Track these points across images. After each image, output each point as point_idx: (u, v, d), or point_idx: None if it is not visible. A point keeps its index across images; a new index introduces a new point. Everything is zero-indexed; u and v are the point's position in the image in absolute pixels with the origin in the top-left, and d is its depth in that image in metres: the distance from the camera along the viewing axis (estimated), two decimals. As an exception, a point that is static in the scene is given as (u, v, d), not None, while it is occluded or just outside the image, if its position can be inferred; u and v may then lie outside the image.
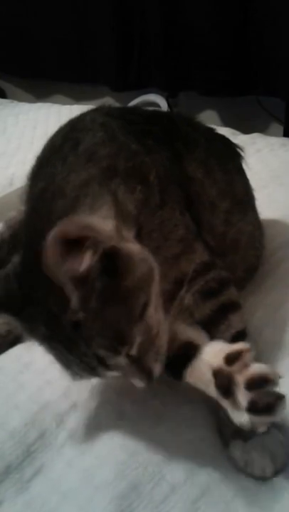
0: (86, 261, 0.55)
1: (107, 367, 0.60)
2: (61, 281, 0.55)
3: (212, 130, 0.93)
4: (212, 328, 0.69)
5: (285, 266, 0.91)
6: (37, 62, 1.98)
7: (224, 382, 0.59)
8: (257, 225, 0.91)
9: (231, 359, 0.59)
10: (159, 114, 1.00)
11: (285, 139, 1.43)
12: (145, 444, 0.68)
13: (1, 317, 0.65)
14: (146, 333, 0.60)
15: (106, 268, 0.57)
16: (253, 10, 1.54)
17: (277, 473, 0.63)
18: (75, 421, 0.72)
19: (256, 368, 0.58)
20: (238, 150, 0.91)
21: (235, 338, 0.69)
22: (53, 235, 0.53)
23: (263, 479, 0.63)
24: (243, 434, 0.64)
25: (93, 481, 0.65)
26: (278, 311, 0.81)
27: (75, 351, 0.59)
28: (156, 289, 0.62)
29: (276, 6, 1.49)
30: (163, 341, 0.63)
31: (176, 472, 0.64)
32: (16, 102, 1.86)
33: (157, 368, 0.62)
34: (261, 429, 0.59)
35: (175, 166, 0.76)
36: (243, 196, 0.88)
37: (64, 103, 1.81)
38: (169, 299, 0.67)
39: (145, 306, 0.60)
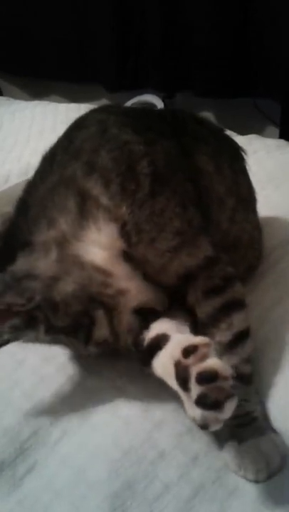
0: (6, 331, 0.65)
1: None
2: None
3: (221, 130, 0.93)
4: (213, 326, 0.68)
5: (281, 266, 0.91)
6: (34, 61, 1.97)
7: (182, 375, 0.59)
8: (256, 226, 0.91)
9: (188, 352, 0.59)
10: (166, 112, 1.00)
11: (280, 141, 1.44)
12: (139, 443, 0.67)
13: None
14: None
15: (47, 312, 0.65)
16: (252, 11, 1.54)
17: (270, 476, 0.63)
18: (69, 419, 0.72)
19: (209, 362, 0.57)
20: (242, 153, 0.91)
21: (238, 338, 0.68)
22: None
23: (256, 482, 0.63)
24: (237, 437, 0.64)
25: (86, 479, 0.65)
26: (274, 310, 0.82)
27: None
28: (114, 301, 0.68)
29: (274, 9, 1.50)
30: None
31: (169, 471, 0.64)
32: (12, 100, 1.85)
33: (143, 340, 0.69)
34: (213, 426, 0.57)
35: (182, 159, 0.76)
36: (246, 196, 0.88)
37: (61, 102, 1.81)
38: (174, 294, 0.67)
39: (88, 337, 0.69)
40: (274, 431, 0.66)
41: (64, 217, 0.67)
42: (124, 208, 0.67)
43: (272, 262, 0.92)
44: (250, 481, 0.63)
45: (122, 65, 1.81)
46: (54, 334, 0.66)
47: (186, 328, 0.69)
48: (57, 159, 0.73)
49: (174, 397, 0.71)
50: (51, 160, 0.74)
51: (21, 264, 0.66)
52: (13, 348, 0.84)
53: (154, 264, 0.66)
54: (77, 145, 0.73)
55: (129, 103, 1.80)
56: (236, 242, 0.83)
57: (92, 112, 0.82)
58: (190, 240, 0.70)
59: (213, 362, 0.57)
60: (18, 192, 0.75)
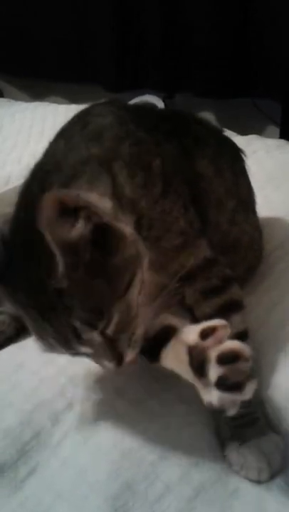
0: (78, 228, 0.56)
1: (81, 341, 0.60)
2: (52, 244, 0.55)
3: (221, 131, 0.93)
4: None
5: (281, 267, 0.91)
6: (34, 62, 1.97)
7: (198, 359, 0.59)
8: (256, 227, 0.91)
9: (206, 334, 0.59)
10: (169, 112, 1.00)
11: (281, 141, 1.44)
12: (140, 444, 0.67)
13: None
14: (125, 313, 0.61)
15: (97, 241, 0.58)
16: (252, 11, 1.54)
17: (272, 476, 0.63)
18: (70, 420, 0.72)
19: (229, 344, 0.57)
20: (241, 154, 0.91)
21: (237, 339, 0.68)
22: (51, 198, 0.54)
23: (258, 483, 0.63)
24: (240, 437, 0.64)
25: (88, 481, 0.65)
26: (273, 311, 0.82)
27: (52, 320, 0.60)
28: (141, 275, 0.62)
29: (274, 9, 1.50)
30: (139, 328, 0.63)
31: (170, 471, 0.64)
32: (12, 101, 1.85)
33: (129, 355, 0.62)
34: (231, 410, 0.57)
35: (183, 161, 0.76)
36: (246, 198, 0.89)
37: (60, 103, 1.81)
38: (169, 293, 0.67)
39: (129, 285, 0.61)
40: (275, 431, 0.66)
41: (104, 187, 0.65)
42: (143, 202, 0.67)
43: (272, 262, 0.93)
44: (253, 481, 0.63)
45: (122, 65, 1.81)
46: None
47: (187, 321, 0.69)
48: (75, 139, 0.71)
49: (176, 396, 0.72)
50: (67, 140, 0.72)
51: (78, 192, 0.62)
52: (13, 350, 0.84)
53: (155, 263, 0.66)
54: (94, 129, 0.72)
55: (129, 103, 1.80)
56: (236, 243, 0.83)
57: (98, 104, 0.82)
58: (191, 240, 0.71)
59: (233, 343, 0.57)
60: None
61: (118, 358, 0.61)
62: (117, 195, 0.65)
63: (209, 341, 0.58)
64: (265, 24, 1.52)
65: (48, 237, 0.55)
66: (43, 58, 1.95)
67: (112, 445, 0.68)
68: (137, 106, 1.09)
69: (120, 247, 0.60)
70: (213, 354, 0.57)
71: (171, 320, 0.68)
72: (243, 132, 1.48)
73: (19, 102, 1.83)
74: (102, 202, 0.62)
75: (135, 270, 0.61)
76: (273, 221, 1.02)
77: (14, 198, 0.73)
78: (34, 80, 2.05)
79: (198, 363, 0.59)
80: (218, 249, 0.75)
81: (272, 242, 0.97)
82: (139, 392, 0.74)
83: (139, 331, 0.63)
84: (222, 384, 0.56)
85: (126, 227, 0.62)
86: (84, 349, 0.62)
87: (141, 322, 0.63)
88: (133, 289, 0.61)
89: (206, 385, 0.58)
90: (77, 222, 0.56)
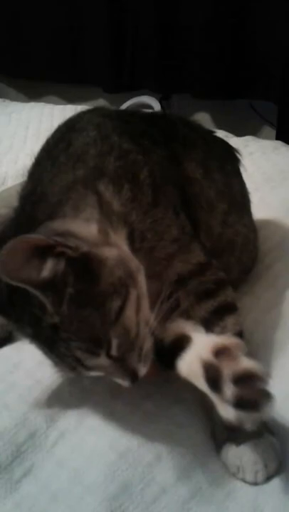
0: (47, 268, 0.58)
1: (86, 367, 0.62)
2: (27, 286, 0.57)
3: (211, 132, 0.93)
4: (207, 330, 0.69)
5: (277, 267, 0.91)
6: (30, 63, 1.97)
7: (212, 375, 0.59)
8: (252, 227, 0.91)
9: (220, 352, 0.59)
10: (156, 116, 1.00)
11: (277, 142, 1.44)
12: (136, 445, 0.67)
13: None
14: (124, 335, 0.61)
15: (79, 273, 0.59)
16: (248, 14, 1.54)
17: (268, 478, 0.63)
18: (66, 421, 0.71)
19: (244, 363, 0.57)
20: (236, 154, 0.91)
21: None
22: (11, 245, 0.55)
23: (254, 485, 0.63)
24: (236, 439, 0.64)
25: (83, 482, 0.65)
26: (270, 312, 0.82)
27: (55, 351, 0.62)
28: (138, 292, 0.62)
29: (270, 11, 1.50)
30: (146, 342, 0.63)
31: (166, 473, 0.64)
32: (8, 101, 1.85)
33: (142, 369, 0.63)
34: (249, 426, 0.58)
35: (172, 166, 0.76)
36: (239, 198, 0.88)
37: (57, 103, 1.81)
38: (164, 299, 0.67)
39: (121, 309, 0.60)
40: (271, 433, 0.66)
41: (90, 209, 0.66)
42: (134, 215, 0.68)
43: (269, 263, 0.93)
44: (249, 483, 0.63)
45: (118, 66, 1.81)
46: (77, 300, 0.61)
47: (201, 328, 0.69)
48: (60, 160, 0.71)
49: (172, 398, 0.72)
50: (53, 160, 0.72)
51: (59, 225, 0.63)
52: (8, 351, 0.84)
53: (148, 271, 0.66)
54: (78, 148, 0.72)
55: (126, 104, 1.80)
56: (230, 245, 0.83)
57: (83, 113, 0.82)
58: (184, 246, 0.71)
59: (248, 362, 0.57)
60: (15, 194, 0.75)
61: (132, 375, 0.62)
62: (105, 214, 0.65)
63: (223, 360, 0.58)
64: (261, 26, 1.53)
65: (19, 283, 0.56)
66: (37, 59, 1.95)
67: (108, 446, 0.68)
68: (123, 112, 1.08)
69: (103, 272, 0.60)
70: (227, 373, 0.57)
71: (184, 328, 0.68)
72: (240, 133, 1.48)
73: (15, 103, 1.83)
74: (86, 228, 0.62)
75: (128, 290, 0.61)
76: (269, 222, 1.03)
77: (9, 200, 0.73)
78: (30, 81, 2.05)
79: (212, 379, 0.59)
80: (212, 252, 0.75)
81: (268, 243, 0.97)
82: (135, 394, 0.73)
83: (147, 345, 0.63)
84: (238, 403, 0.56)
85: (111, 250, 0.62)
86: (93, 373, 0.63)
87: (148, 336, 0.63)
88: (127, 311, 0.61)
89: (222, 400, 0.58)
90: (44, 263, 0.58)
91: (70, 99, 1.97)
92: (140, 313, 0.62)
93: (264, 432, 0.66)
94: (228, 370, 0.57)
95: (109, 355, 0.61)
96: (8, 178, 1.29)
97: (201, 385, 0.61)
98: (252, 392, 0.56)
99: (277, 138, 1.60)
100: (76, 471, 0.66)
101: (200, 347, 0.63)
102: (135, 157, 0.72)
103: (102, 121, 0.77)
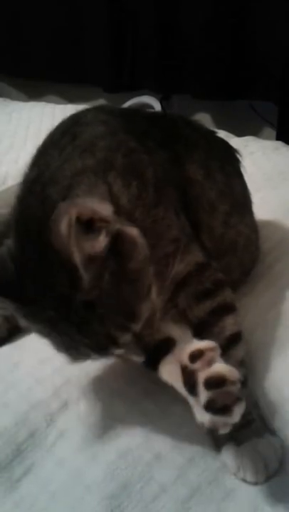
0: (101, 241, 0.57)
1: (118, 345, 0.62)
2: (75, 260, 0.55)
3: (213, 133, 0.93)
4: (206, 330, 0.69)
5: (278, 268, 0.91)
6: (31, 62, 1.97)
7: (189, 380, 0.59)
8: (253, 228, 0.91)
9: (194, 357, 0.59)
10: (157, 116, 1.00)
11: (277, 143, 1.44)
12: (135, 444, 0.68)
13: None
14: (150, 311, 0.62)
15: (114, 249, 0.58)
16: (248, 14, 1.54)
17: (269, 478, 0.63)
18: (66, 420, 0.72)
19: (216, 367, 0.57)
20: (237, 154, 0.91)
21: (230, 341, 0.69)
22: (67, 216, 0.54)
23: (255, 484, 0.63)
24: (236, 439, 0.64)
25: (83, 481, 0.65)
26: (270, 312, 0.82)
27: (85, 332, 0.60)
28: (151, 273, 0.63)
29: (270, 11, 1.50)
30: (157, 322, 0.65)
31: (165, 472, 0.64)
32: (8, 101, 1.85)
33: (151, 343, 0.66)
34: (222, 430, 0.58)
35: (174, 168, 0.76)
36: (241, 199, 0.88)
37: (57, 103, 1.80)
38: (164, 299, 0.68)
39: (150, 286, 0.62)
40: (271, 433, 0.67)
41: (100, 194, 0.66)
42: (137, 213, 0.68)
43: (269, 263, 0.93)
44: (250, 482, 0.63)
45: (116, 66, 1.81)
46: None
47: (188, 332, 0.69)
48: (67, 150, 0.70)
49: (171, 396, 0.72)
50: (60, 150, 0.71)
51: (82, 202, 0.62)
52: (8, 350, 0.84)
53: None
54: (86, 140, 0.71)
55: (126, 104, 1.80)
56: (232, 245, 0.83)
57: (87, 110, 0.81)
58: (183, 247, 0.71)
59: (220, 367, 0.57)
60: (15, 194, 0.75)
61: (145, 350, 0.65)
62: (114, 204, 0.65)
63: (198, 364, 0.58)
64: (261, 26, 1.53)
65: (69, 257, 0.55)
66: (37, 58, 1.95)
67: (107, 445, 0.68)
68: (125, 110, 1.08)
69: (134, 250, 0.61)
70: (201, 377, 0.57)
71: (173, 331, 0.69)
72: (240, 134, 1.48)
73: (16, 102, 1.83)
74: (104, 207, 0.62)
75: (149, 270, 0.62)
76: (270, 223, 1.03)
77: (9, 199, 0.73)
78: (30, 80, 2.05)
79: (189, 384, 0.59)
80: (214, 253, 0.75)
81: (269, 243, 0.97)
82: (134, 393, 0.74)
83: (158, 324, 0.66)
84: (211, 407, 0.56)
85: (133, 229, 0.62)
86: (117, 351, 0.64)
87: (158, 316, 0.66)
88: (153, 288, 0.63)
89: (198, 405, 0.58)
90: (99, 235, 0.57)
91: (71, 99, 1.97)
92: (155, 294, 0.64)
93: (264, 431, 0.66)
94: (201, 373, 0.58)
95: (134, 332, 0.62)
96: (8, 178, 1.29)
97: (181, 388, 0.62)
98: (224, 396, 0.56)
99: (278, 138, 1.60)
100: (76, 470, 0.66)
101: (179, 351, 0.63)
102: (141, 156, 0.72)
103: (107, 118, 0.76)
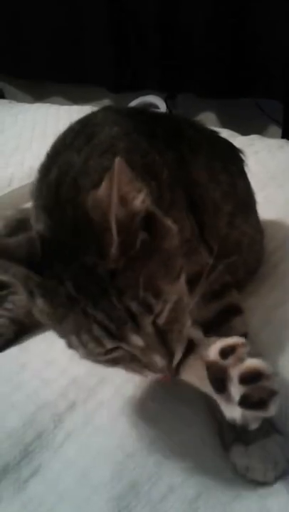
0: (141, 197, 0.57)
1: (135, 327, 0.57)
2: (110, 219, 0.55)
3: (216, 133, 0.93)
4: (214, 331, 0.69)
5: (283, 267, 0.91)
6: (35, 63, 1.98)
7: (218, 376, 0.58)
8: (258, 228, 0.91)
9: (226, 352, 0.58)
10: (164, 117, 1.00)
11: (283, 141, 1.44)
12: (143, 445, 0.67)
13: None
14: (178, 299, 0.60)
15: (146, 226, 0.58)
16: (251, 12, 1.54)
17: (277, 478, 0.63)
18: (73, 421, 0.72)
19: (251, 362, 0.57)
20: (240, 154, 0.91)
21: None
22: (123, 163, 0.55)
23: (263, 484, 0.63)
24: (244, 439, 0.64)
25: (91, 482, 0.65)
26: (276, 311, 0.82)
27: (104, 306, 0.57)
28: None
29: (270, 11, 1.50)
30: (188, 320, 0.62)
31: (173, 472, 0.64)
32: (14, 102, 1.86)
33: (179, 352, 0.60)
34: (253, 425, 0.58)
35: (180, 169, 0.76)
36: (245, 199, 0.88)
37: (62, 104, 1.81)
38: None
39: (181, 269, 0.60)
40: (279, 432, 0.66)
41: None
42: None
43: (274, 263, 0.92)
44: (259, 481, 0.63)
45: (120, 66, 1.81)
46: None
47: (200, 332, 0.69)
48: (86, 150, 0.70)
49: (179, 397, 0.72)
50: (78, 150, 0.71)
51: None
52: (15, 351, 0.84)
53: None
54: (103, 140, 0.71)
55: (131, 104, 1.80)
56: (237, 246, 0.83)
57: (96, 112, 0.82)
58: (194, 247, 0.71)
59: (254, 361, 0.57)
60: (21, 195, 0.75)
61: (169, 356, 0.59)
62: None
63: (230, 360, 0.58)
64: (263, 26, 1.53)
65: (107, 211, 0.55)
66: (41, 59, 1.96)
67: (115, 446, 0.68)
68: (130, 110, 1.08)
69: (168, 234, 0.60)
70: (234, 373, 0.57)
71: (192, 333, 0.68)
72: (245, 132, 1.48)
73: (21, 104, 1.83)
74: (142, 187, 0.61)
75: (182, 259, 0.61)
76: (275, 221, 1.02)
77: (15, 201, 0.73)
78: (35, 81, 2.06)
79: (217, 379, 0.58)
80: (218, 254, 0.75)
81: (274, 242, 0.97)
82: (141, 393, 0.74)
83: (188, 324, 0.62)
84: (246, 402, 0.56)
85: (168, 219, 0.62)
86: (135, 339, 0.58)
87: (188, 316, 0.62)
88: (182, 277, 0.61)
89: (228, 401, 0.58)
90: (138, 196, 0.57)
91: (76, 100, 1.98)
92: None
93: (272, 431, 0.66)
94: (234, 369, 0.57)
95: (155, 323, 0.58)
96: (14, 180, 1.30)
97: (205, 387, 0.61)
98: (259, 390, 0.56)
99: (283, 136, 1.60)
100: (83, 471, 0.66)
101: (205, 350, 0.62)
102: (155, 157, 0.72)
103: (118, 119, 0.77)
